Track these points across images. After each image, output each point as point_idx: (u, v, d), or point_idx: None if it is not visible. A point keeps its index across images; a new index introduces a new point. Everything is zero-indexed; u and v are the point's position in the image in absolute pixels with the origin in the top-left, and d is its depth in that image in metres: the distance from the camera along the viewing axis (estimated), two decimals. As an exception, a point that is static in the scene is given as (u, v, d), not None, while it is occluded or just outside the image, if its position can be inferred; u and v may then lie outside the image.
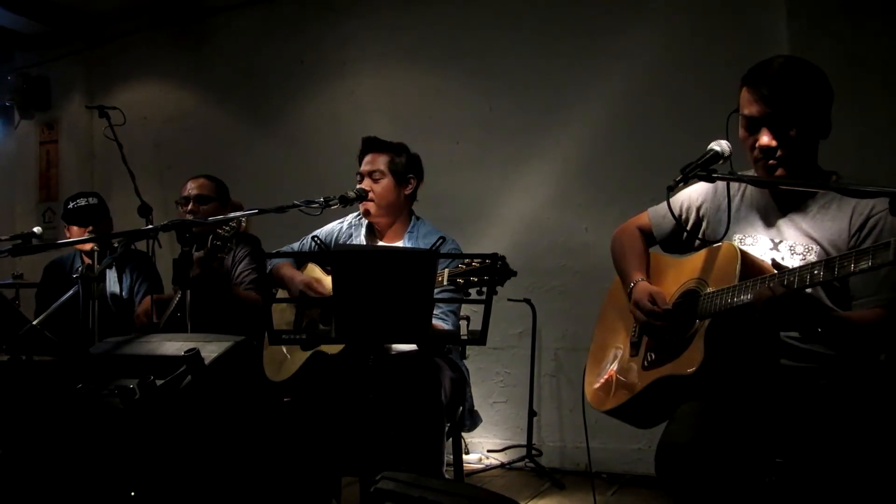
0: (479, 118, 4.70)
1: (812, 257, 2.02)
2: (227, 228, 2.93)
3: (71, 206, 3.89)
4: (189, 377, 2.20)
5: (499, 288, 2.13)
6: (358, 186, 3.03)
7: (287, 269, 3.07)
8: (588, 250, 4.27)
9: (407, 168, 3.09)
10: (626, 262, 2.40)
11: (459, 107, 4.77)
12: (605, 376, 2.37)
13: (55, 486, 2.44)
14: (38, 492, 2.50)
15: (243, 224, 2.97)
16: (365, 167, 3.07)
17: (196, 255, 3.15)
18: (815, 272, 1.77)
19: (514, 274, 2.14)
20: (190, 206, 3.56)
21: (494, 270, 2.11)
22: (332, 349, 2.76)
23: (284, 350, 3.00)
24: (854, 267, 1.70)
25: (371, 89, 5.09)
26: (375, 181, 3.04)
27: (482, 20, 4.72)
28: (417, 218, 3.17)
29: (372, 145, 3.12)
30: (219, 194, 3.65)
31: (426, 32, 4.90)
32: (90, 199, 3.92)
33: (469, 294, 2.18)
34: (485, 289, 2.10)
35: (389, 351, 2.88)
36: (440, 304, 2.84)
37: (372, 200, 3.02)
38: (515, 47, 4.61)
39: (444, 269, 2.38)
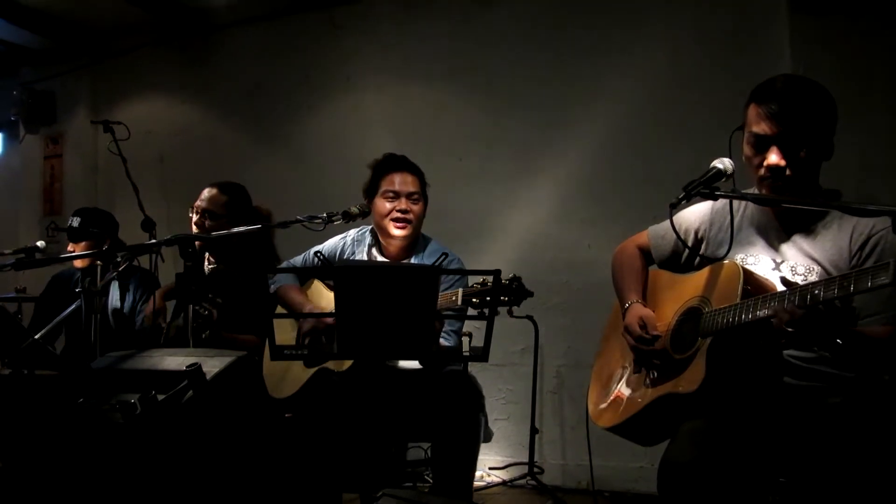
0: (482, 134, 4.72)
1: (813, 278, 2.02)
2: (202, 313, 2.93)
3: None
4: (191, 392, 2.20)
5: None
6: (387, 205, 3.02)
7: (294, 295, 3.07)
8: (591, 267, 4.26)
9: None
10: (623, 282, 2.42)
11: (463, 122, 4.80)
12: (608, 394, 2.36)
13: (56, 501, 2.44)
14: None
15: (215, 315, 2.97)
16: (402, 187, 3.03)
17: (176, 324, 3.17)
18: (816, 292, 1.78)
19: (531, 294, 2.15)
20: (196, 219, 3.46)
21: (511, 290, 2.12)
22: (339, 366, 2.76)
23: (286, 366, 3.00)
24: (854, 287, 1.70)
25: (375, 104, 5.11)
26: (415, 202, 3.04)
27: (486, 37, 4.75)
28: (425, 236, 3.19)
29: (406, 164, 3.11)
30: (229, 210, 3.46)
31: (431, 48, 4.93)
32: (73, 220, 3.97)
33: (486, 312, 2.18)
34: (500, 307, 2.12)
35: (395, 367, 2.88)
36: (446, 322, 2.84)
37: (411, 222, 3.02)
38: (520, 64, 4.64)
39: (459, 288, 2.39)
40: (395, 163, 3.11)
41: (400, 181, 3.04)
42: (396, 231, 3.01)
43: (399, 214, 3.00)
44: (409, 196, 3.03)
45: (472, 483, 2.74)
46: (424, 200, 3.10)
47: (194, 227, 3.44)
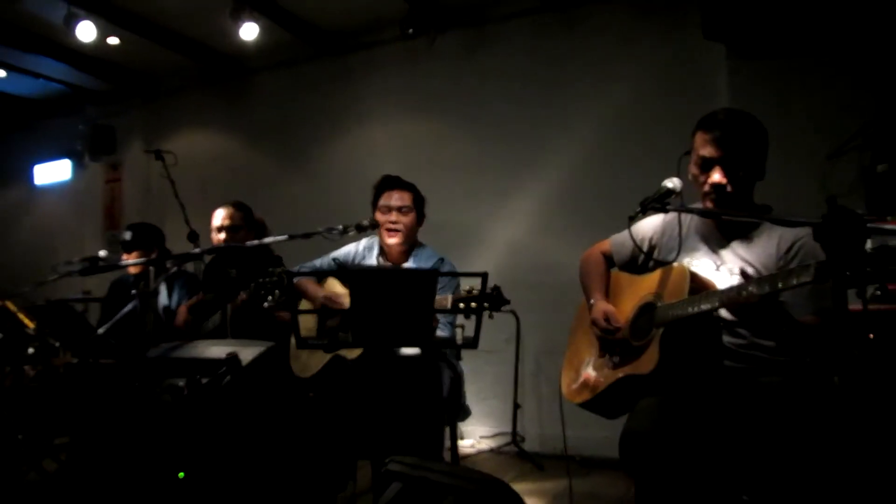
0: (474, 157, 4.75)
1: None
2: (269, 283, 2.80)
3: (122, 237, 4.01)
4: (229, 377, 2.22)
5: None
6: (382, 217, 3.01)
7: (310, 285, 3.07)
8: (564, 269, 4.20)
9: (422, 204, 3.13)
10: (590, 282, 2.44)
11: (457, 148, 4.82)
12: (578, 376, 2.37)
13: (116, 468, 2.45)
14: (102, 473, 2.51)
15: (285, 280, 2.87)
16: (395, 202, 3.03)
17: (242, 296, 3.16)
18: (751, 288, 1.80)
19: (508, 302, 2.16)
20: (223, 235, 3.58)
21: (491, 298, 2.13)
22: (352, 354, 2.77)
23: (308, 352, 3.00)
24: (782, 285, 1.72)
25: (383, 135, 5.13)
26: (405, 214, 3.02)
27: (477, 76, 4.79)
28: (420, 243, 3.18)
29: (399, 183, 3.11)
30: (246, 222, 3.68)
31: (430, 87, 4.95)
32: (126, 234, 3.98)
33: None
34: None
35: (398, 353, 2.88)
36: (440, 317, 2.85)
37: (401, 231, 3.01)
38: (507, 98, 4.67)
39: (449, 294, 2.39)
40: (389, 182, 3.12)
41: (394, 197, 3.06)
42: (389, 239, 3.03)
43: (391, 225, 3.01)
44: (399, 210, 3.03)
45: (440, 451, 2.73)
46: (417, 212, 3.08)
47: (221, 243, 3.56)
